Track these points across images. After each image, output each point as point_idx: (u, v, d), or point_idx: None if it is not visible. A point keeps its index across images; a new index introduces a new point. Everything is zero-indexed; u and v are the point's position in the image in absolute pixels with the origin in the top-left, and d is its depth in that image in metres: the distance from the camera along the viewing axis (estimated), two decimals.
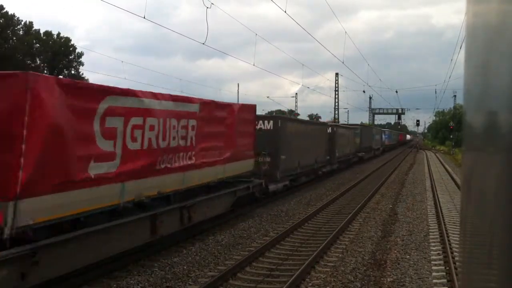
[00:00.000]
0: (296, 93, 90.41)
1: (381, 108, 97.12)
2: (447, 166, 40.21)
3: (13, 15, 68.83)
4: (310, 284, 8.92)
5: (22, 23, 70.54)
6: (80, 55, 75.08)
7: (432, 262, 10.51)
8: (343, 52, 77.59)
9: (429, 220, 15.48)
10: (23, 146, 6.44)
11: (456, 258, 9.88)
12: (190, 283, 8.85)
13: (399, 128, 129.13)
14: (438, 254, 11.13)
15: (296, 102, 77.08)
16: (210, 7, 15.83)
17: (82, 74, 74.79)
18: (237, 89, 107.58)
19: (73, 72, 74.62)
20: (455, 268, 9.26)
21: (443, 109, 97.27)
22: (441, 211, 16.46)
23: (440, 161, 50.55)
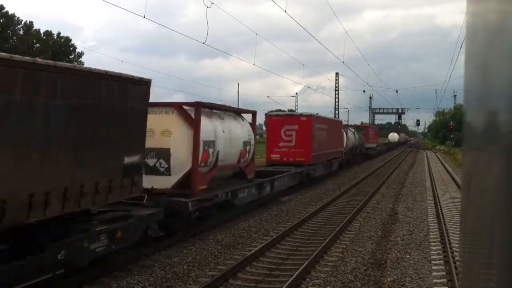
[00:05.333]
0: (297, 93, 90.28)
1: (381, 108, 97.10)
2: (447, 166, 40.20)
3: (13, 15, 68.84)
4: (310, 283, 8.92)
5: (22, 22, 70.57)
6: (80, 54, 75.09)
7: (432, 261, 10.51)
8: (344, 52, 77.65)
9: (429, 219, 15.48)
10: None
11: (456, 258, 9.88)
12: (190, 282, 8.85)
13: (398, 127, 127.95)
14: (438, 253, 11.13)
15: (296, 102, 77.06)
16: (210, 7, 15.85)
17: None
18: (239, 89, 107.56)
19: None
20: (455, 268, 9.26)
21: (444, 109, 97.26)
22: (441, 211, 16.46)
23: (440, 160, 50.55)
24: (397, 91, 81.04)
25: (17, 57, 6.43)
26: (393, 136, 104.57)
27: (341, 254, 11.00)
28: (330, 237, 12.12)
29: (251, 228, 13.71)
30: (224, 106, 15.34)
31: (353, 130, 42.00)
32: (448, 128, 76.07)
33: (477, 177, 1.58)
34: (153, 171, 11.49)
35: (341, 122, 36.25)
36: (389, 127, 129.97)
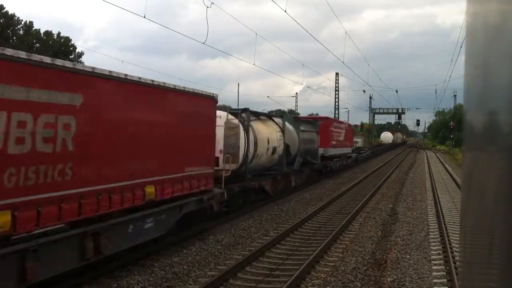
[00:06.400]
0: (297, 93, 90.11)
1: (381, 108, 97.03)
2: (447, 166, 40.21)
3: (13, 15, 68.88)
4: (310, 283, 8.92)
5: (22, 22, 70.59)
6: (80, 54, 75.07)
7: (432, 261, 10.51)
8: (344, 52, 77.64)
9: (429, 219, 15.48)
10: None
11: (456, 258, 9.88)
12: (190, 282, 8.85)
13: (398, 127, 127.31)
14: (438, 253, 11.13)
15: (296, 101, 77.00)
16: (210, 7, 15.81)
17: None
18: (239, 89, 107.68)
19: None
20: (455, 268, 9.26)
21: (444, 109, 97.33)
22: (441, 211, 16.46)
23: (440, 161, 50.55)
24: (397, 91, 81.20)
25: None
26: (386, 137, 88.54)
27: (341, 254, 11.00)
28: (330, 237, 12.12)
29: (251, 228, 13.71)
30: None
31: (279, 125, 19.80)
32: (448, 128, 76.08)
33: (477, 177, 1.58)
34: None
35: (207, 97, 12.54)
36: (389, 127, 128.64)
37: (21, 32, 70.68)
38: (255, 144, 16.73)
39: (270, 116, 21.10)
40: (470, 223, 1.69)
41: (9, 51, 6.48)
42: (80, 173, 7.59)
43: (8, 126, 6.31)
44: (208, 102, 12.49)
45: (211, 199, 12.46)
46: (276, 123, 19.77)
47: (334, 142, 30.33)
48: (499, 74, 1.22)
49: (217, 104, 13.24)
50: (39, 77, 6.94)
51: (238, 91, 69.42)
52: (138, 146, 9.23)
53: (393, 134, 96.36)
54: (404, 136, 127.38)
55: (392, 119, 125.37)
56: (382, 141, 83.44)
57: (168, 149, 10.21)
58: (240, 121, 15.88)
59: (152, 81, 9.82)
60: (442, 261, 10.50)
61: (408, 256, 10.93)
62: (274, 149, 18.49)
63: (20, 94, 6.55)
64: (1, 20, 66.41)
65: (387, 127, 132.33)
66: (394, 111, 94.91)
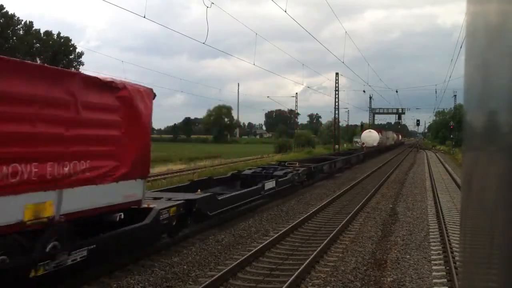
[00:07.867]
0: (297, 93, 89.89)
1: (381, 108, 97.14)
2: (447, 166, 40.21)
3: (13, 15, 68.87)
4: (310, 283, 8.92)
5: (22, 22, 70.58)
6: (80, 55, 75.11)
7: (432, 261, 10.52)
8: (344, 52, 77.76)
9: (429, 219, 15.49)
10: None
11: (456, 258, 9.89)
12: (190, 282, 8.85)
13: (398, 127, 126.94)
14: (438, 253, 11.13)
15: (296, 102, 76.97)
16: (210, 7, 15.84)
17: None
18: (239, 89, 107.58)
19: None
20: (455, 268, 9.26)
21: (444, 109, 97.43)
22: (441, 211, 16.47)
23: (440, 161, 50.56)
24: (397, 91, 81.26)
25: None
26: (369, 137, 60.49)
27: (341, 254, 11.00)
28: (330, 237, 12.12)
29: (251, 228, 13.71)
30: None
31: None
32: (448, 128, 76.08)
33: (477, 177, 1.58)
34: None
35: None
36: (389, 127, 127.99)
37: (21, 32, 70.66)
38: None
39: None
40: (470, 223, 1.69)
41: None
42: None
43: None
44: None
45: None
46: None
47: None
48: (499, 74, 1.22)
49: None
50: None
51: (238, 91, 69.45)
52: None
53: (379, 133, 65.18)
54: (400, 137, 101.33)
55: (392, 119, 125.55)
56: (363, 144, 57.42)
57: None
58: None
59: None
60: (442, 261, 10.50)
61: (408, 256, 10.93)
62: None
63: None
64: (1, 20, 66.38)
65: (387, 127, 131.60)
66: (394, 111, 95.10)
